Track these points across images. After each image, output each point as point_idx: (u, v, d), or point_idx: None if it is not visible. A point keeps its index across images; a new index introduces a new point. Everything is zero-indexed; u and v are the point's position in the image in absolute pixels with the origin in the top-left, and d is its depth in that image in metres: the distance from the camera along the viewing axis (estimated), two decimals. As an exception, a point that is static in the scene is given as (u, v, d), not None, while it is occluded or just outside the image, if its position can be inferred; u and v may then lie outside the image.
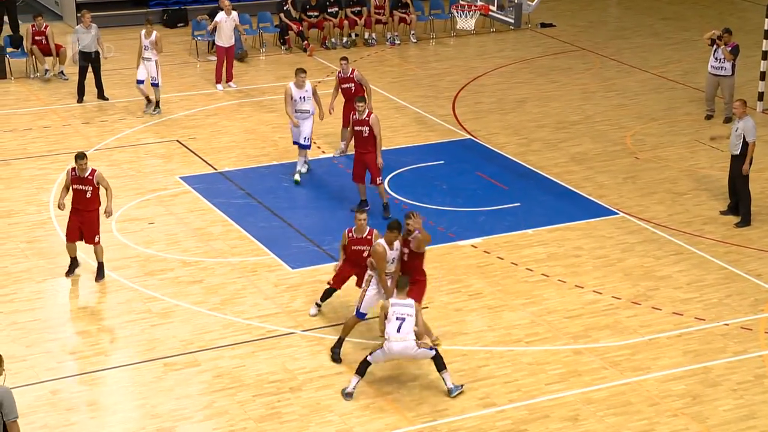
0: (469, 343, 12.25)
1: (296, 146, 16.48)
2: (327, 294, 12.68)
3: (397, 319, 10.92)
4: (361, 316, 11.89)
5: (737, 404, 11.22)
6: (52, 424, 10.61)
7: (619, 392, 11.37)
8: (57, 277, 13.54)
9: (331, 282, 12.57)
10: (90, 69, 19.38)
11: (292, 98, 16.13)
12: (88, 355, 11.84)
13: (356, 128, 15.11)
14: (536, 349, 12.12)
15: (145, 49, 18.67)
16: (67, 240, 13.41)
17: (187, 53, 22.33)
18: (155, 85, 18.76)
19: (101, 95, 19.58)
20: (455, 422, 10.81)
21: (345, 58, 16.92)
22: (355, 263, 12.27)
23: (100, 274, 13.40)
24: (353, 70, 16.86)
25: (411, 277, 11.57)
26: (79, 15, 19.27)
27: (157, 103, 18.91)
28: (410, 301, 11.10)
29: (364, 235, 12.20)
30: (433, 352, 11.09)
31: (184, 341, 12.14)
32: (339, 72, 16.89)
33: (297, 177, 16.35)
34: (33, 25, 20.46)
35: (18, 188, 15.96)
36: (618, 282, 13.67)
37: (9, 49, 20.87)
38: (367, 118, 15.02)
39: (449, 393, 11.13)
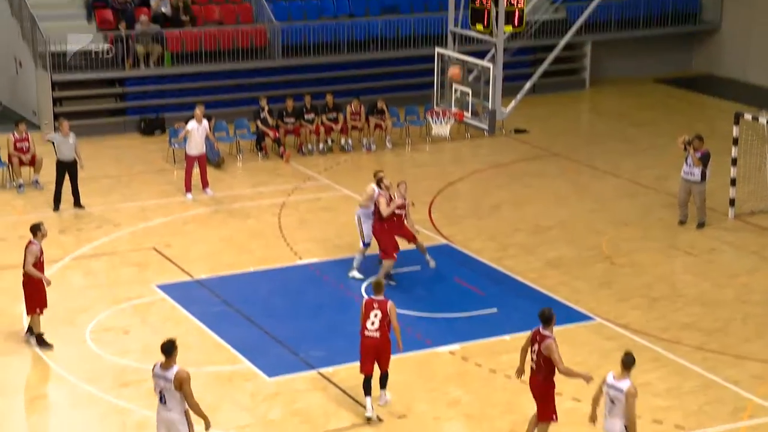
0: (448, 453, 12.24)
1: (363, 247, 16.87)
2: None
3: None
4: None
5: None
6: None
7: (600, 502, 11.34)
8: (31, 390, 13.45)
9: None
10: (67, 177, 19.60)
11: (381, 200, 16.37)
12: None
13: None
14: (516, 458, 12.11)
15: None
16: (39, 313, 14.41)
17: (163, 160, 22.63)
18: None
19: (77, 203, 19.75)
20: None
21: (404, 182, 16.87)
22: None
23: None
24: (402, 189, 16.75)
25: None
26: (56, 123, 19.56)
27: None
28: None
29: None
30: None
31: (159, 454, 12.04)
32: (388, 193, 16.48)
33: (357, 274, 16.70)
34: (14, 133, 20.73)
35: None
36: (596, 388, 13.71)
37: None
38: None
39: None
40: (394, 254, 16.33)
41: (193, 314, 15.56)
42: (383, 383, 13.22)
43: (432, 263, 16.88)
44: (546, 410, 11.93)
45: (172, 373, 11.02)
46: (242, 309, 15.77)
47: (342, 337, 14.92)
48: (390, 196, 16.44)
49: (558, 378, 11.95)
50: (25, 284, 14.49)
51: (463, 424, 12.87)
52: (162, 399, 11.10)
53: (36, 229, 14.48)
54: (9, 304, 15.71)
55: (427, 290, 16.51)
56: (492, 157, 23.41)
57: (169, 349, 11.17)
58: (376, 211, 16.42)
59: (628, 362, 11.24)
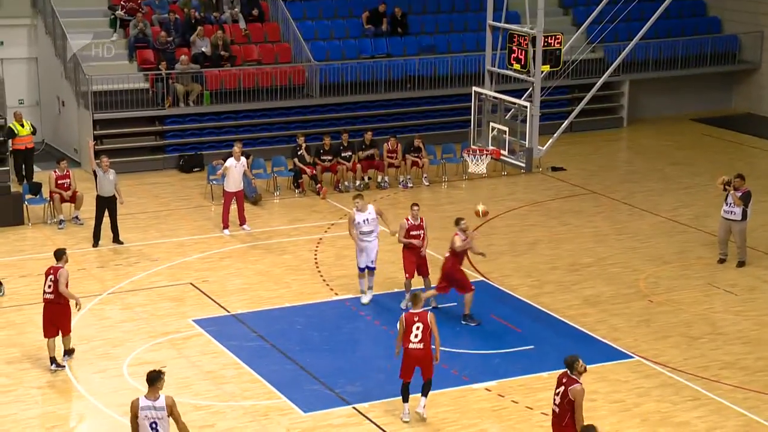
0: (484, 489, 12.14)
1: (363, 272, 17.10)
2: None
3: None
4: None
5: None
6: None
7: None
8: (66, 422, 13.56)
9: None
10: (106, 213, 19.85)
11: (354, 221, 16.87)
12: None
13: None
14: (553, 496, 11.98)
15: None
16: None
17: (202, 197, 22.86)
18: None
19: (116, 239, 19.98)
20: None
21: (416, 204, 17.18)
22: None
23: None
24: (422, 219, 17.00)
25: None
26: (97, 161, 19.89)
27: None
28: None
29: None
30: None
31: (193, 487, 12.06)
32: (407, 219, 16.84)
33: (366, 299, 16.96)
34: (55, 170, 21.09)
35: (30, 333, 16.11)
36: (635, 428, 13.60)
37: (28, 196, 21.42)
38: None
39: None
40: (471, 286, 16.49)
41: (230, 349, 15.63)
42: (425, 391, 13.53)
43: (433, 303, 16.90)
44: None
45: (162, 402, 11.10)
46: (278, 344, 15.82)
47: (377, 372, 14.92)
48: (465, 237, 16.43)
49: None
50: (53, 308, 14.82)
51: (500, 461, 12.77)
52: (154, 430, 11.12)
53: (62, 254, 15.13)
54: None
55: (464, 326, 16.46)
56: (529, 194, 23.40)
57: (154, 378, 11.26)
58: (451, 249, 16.44)
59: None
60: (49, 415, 13.72)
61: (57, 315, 14.94)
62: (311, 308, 17.16)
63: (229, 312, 16.98)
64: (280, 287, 18.02)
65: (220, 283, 18.15)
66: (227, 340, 15.89)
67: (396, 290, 17.53)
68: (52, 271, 15.03)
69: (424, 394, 13.65)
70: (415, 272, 16.93)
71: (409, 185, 23.71)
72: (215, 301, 17.37)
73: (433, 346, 13.37)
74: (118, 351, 15.53)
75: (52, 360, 14.90)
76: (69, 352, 15.17)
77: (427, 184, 23.93)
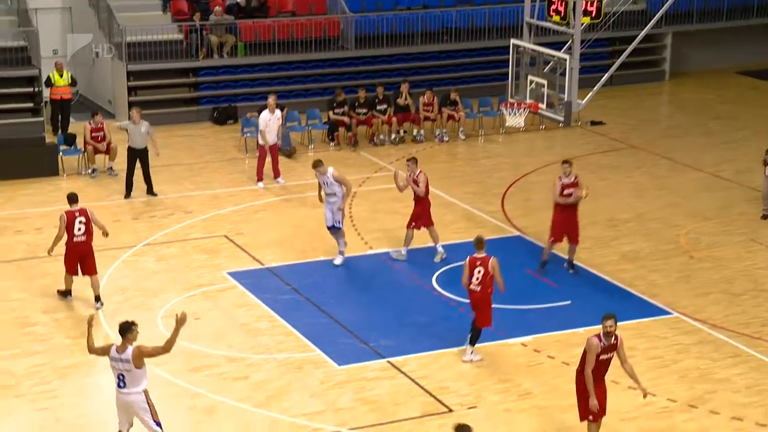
0: (519, 444, 12.15)
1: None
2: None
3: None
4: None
5: None
6: None
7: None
8: (101, 372, 13.71)
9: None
10: (139, 165, 19.92)
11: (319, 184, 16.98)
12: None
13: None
14: (589, 452, 11.96)
15: None
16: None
17: (236, 149, 22.86)
18: None
19: (150, 191, 20.06)
20: None
21: (412, 159, 17.23)
22: None
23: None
24: (420, 172, 17.05)
25: None
26: (130, 112, 19.94)
27: None
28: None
29: None
30: None
31: (228, 438, 12.19)
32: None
33: (338, 260, 16.85)
34: (90, 123, 21.18)
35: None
36: (673, 384, 13.53)
37: (63, 147, 21.54)
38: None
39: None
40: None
41: (264, 301, 15.69)
42: (473, 339, 13.85)
43: (439, 257, 16.97)
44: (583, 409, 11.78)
45: (128, 354, 11.09)
46: (312, 297, 15.86)
47: (411, 326, 14.94)
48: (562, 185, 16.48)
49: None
50: (85, 249, 15.27)
51: (534, 416, 12.75)
52: (120, 383, 11.23)
53: (76, 199, 15.41)
54: (79, 287, 16.05)
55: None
56: (567, 149, 23.17)
57: (123, 329, 11.19)
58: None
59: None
60: (83, 365, 13.86)
61: (87, 255, 15.28)
62: (345, 261, 17.15)
63: (263, 265, 17.03)
64: (314, 240, 18.03)
65: (254, 236, 18.20)
66: (261, 293, 15.95)
67: (430, 245, 17.41)
68: (79, 213, 15.26)
69: (472, 342, 13.83)
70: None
71: (445, 139, 23.56)
72: (249, 254, 17.42)
73: (497, 288, 13.80)
74: (152, 302, 15.64)
75: (67, 293, 15.42)
76: (99, 298, 15.37)
77: (463, 137, 23.76)
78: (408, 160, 17.24)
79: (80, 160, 21.36)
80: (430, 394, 13.18)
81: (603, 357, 11.61)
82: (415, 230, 17.11)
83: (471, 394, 13.23)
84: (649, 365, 13.95)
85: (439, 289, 16.12)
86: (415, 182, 16.96)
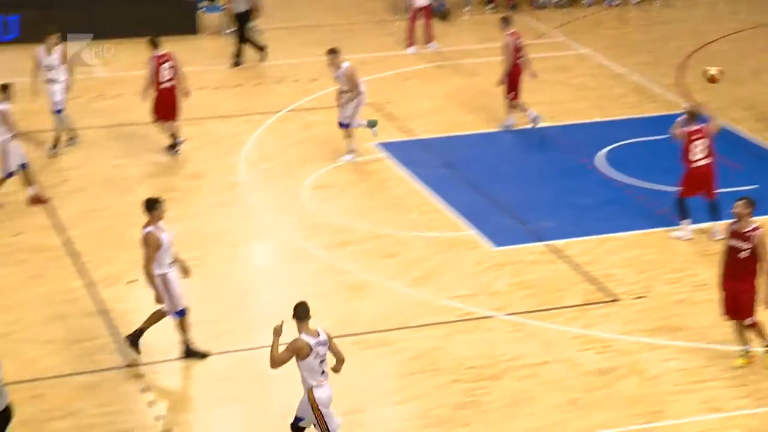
0: (691, 339, 11.84)
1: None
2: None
3: None
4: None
5: None
6: (242, 394, 10.95)
7: None
8: (247, 241, 13.99)
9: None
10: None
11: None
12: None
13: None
14: (770, 351, 11.58)
15: (47, 69, 16.01)
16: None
17: (384, 10, 22.55)
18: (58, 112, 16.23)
19: (258, 53, 19.90)
20: (674, 426, 10.49)
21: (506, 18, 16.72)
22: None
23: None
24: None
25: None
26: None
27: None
28: None
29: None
30: None
31: (377, 318, 12.27)
32: (513, 39, 16.47)
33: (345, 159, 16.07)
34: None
35: (208, 148, 16.53)
36: None
37: (203, 4, 21.64)
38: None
39: None
40: None
41: (415, 175, 15.60)
42: (715, 214, 13.55)
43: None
44: None
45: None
46: (466, 173, 15.68)
47: (573, 208, 14.64)
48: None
49: None
50: (172, 93, 15.84)
51: (710, 310, 12.36)
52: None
53: (160, 43, 15.81)
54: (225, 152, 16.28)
55: (673, 162, 15.81)
56: (754, 15, 22.04)
57: (152, 205, 11.11)
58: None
59: None
60: (228, 232, 14.10)
61: (174, 101, 15.79)
62: (502, 136, 16.84)
63: (414, 136, 16.89)
64: (469, 111, 17.74)
65: (404, 105, 18.03)
66: (412, 166, 15.84)
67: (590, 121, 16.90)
68: (167, 58, 15.65)
69: (716, 217, 13.55)
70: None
71: (615, 2, 22.69)
72: (400, 124, 17.28)
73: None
74: (298, 171, 15.75)
75: (175, 143, 15.93)
76: (176, 144, 16.01)
77: (635, 1, 22.81)
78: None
79: (221, 18, 21.44)
80: (594, 282, 12.94)
81: (731, 243, 10.97)
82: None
83: (639, 283, 12.92)
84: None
85: (603, 169, 15.69)
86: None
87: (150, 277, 11.00)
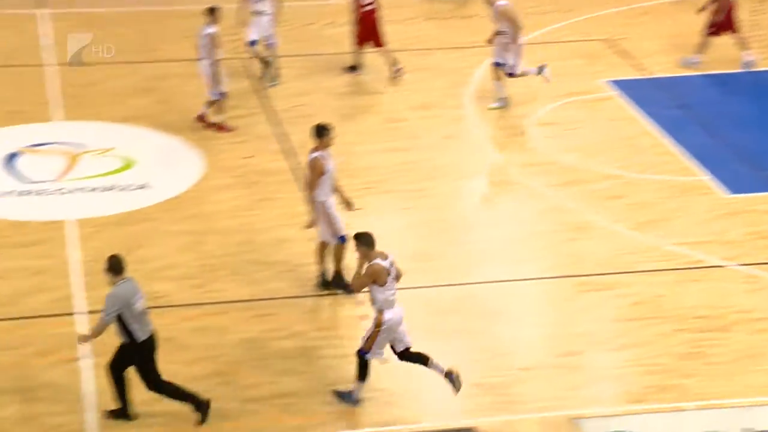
0: None
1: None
2: None
3: None
4: None
5: None
6: (465, 327, 11.11)
7: None
8: (471, 176, 14.11)
9: None
10: None
11: None
12: (499, 263, 12.27)
13: None
14: None
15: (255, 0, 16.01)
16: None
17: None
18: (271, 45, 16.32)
19: None
20: None
21: None
22: None
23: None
24: None
25: None
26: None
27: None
28: None
29: None
30: None
31: (600, 261, 12.16)
32: None
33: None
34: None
35: (437, 79, 16.64)
36: None
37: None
38: None
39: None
40: None
41: (647, 115, 15.26)
42: None
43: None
44: None
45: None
46: (703, 115, 15.21)
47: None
48: None
49: None
50: (375, 19, 16.19)
51: None
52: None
53: None
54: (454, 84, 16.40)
55: None
56: None
57: (321, 131, 11.18)
58: None
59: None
60: (452, 166, 14.21)
61: (375, 25, 16.12)
62: (742, 77, 16.21)
63: (648, 74, 16.49)
64: (710, 49, 17.12)
65: (639, 42, 17.60)
66: (645, 106, 15.50)
67: None
68: None
69: None
70: None
71: None
72: (633, 62, 16.91)
73: None
74: (523, 109, 15.69)
75: (396, 70, 16.19)
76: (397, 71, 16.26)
77: None
78: None
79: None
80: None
81: None
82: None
83: None
84: None
85: None
86: None
87: (311, 201, 11.33)
